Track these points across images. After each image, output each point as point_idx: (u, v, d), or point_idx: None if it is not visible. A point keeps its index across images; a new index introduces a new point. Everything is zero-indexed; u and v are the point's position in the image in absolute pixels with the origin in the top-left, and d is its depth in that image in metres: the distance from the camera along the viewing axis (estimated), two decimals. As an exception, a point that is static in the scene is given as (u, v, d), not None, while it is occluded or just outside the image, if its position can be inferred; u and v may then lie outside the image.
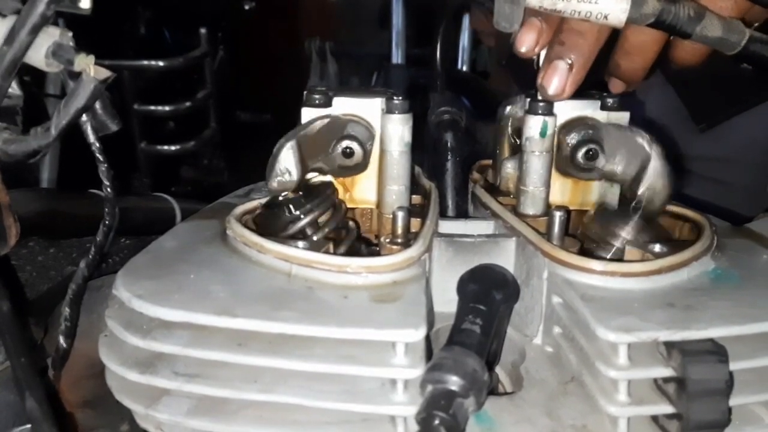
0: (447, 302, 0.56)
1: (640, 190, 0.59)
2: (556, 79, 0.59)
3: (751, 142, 1.13)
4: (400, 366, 0.46)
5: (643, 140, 0.60)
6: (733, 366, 0.44)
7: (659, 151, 0.60)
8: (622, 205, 0.62)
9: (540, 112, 0.61)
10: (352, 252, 0.60)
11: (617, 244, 0.60)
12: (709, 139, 1.12)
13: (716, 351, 0.44)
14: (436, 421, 0.41)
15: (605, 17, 0.57)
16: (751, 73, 0.65)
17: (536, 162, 0.62)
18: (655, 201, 0.60)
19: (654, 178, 0.59)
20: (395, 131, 0.61)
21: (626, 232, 0.60)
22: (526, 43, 0.60)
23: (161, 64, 1.73)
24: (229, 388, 0.47)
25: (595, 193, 0.65)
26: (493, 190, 0.69)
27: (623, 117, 0.63)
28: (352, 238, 0.62)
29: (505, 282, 0.56)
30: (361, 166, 0.63)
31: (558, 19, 0.60)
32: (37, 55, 0.48)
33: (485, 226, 0.65)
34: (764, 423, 0.48)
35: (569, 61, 0.59)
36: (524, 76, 0.67)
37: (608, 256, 0.60)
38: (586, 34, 0.59)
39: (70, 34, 0.49)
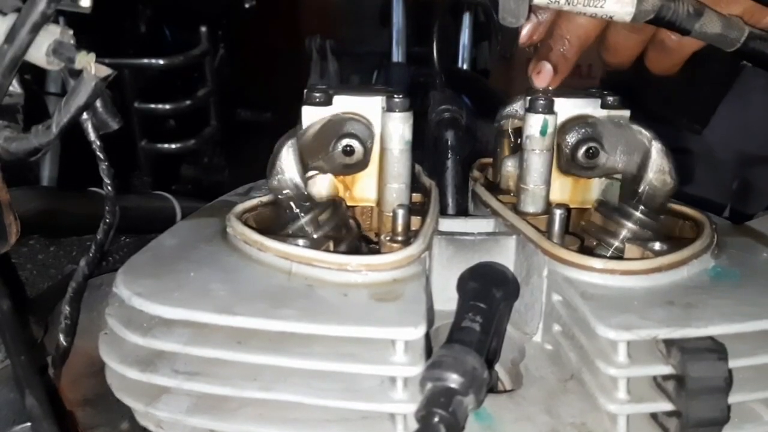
0: (447, 300, 0.56)
1: (641, 187, 0.59)
2: (543, 77, 0.65)
3: (707, 141, 1.15)
4: (400, 364, 0.46)
5: (643, 136, 0.60)
6: (733, 363, 0.44)
7: (660, 147, 0.60)
8: (625, 201, 0.62)
9: (540, 110, 0.61)
10: (352, 250, 0.60)
11: (620, 239, 0.60)
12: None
13: (715, 349, 0.44)
14: (436, 419, 0.41)
15: (610, 17, 0.58)
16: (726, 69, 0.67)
17: (536, 160, 0.62)
18: (657, 196, 0.60)
19: (655, 174, 0.59)
20: (396, 129, 0.61)
21: (629, 228, 0.60)
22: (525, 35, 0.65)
23: (162, 62, 1.73)
24: (229, 386, 0.47)
25: (595, 191, 0.65)
26: (494, 188, 0.69)
27: (623, 115, 0.63)
28: (353, 236, 0.62)
29: (505, 280, 0.56)
30: (362, 165, 0.63)
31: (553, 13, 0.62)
32: (38, 53, 0.48)
33: (485, 224, 0.65)
34: (763, 420, 0.48)
35: (554, 61, 0.64)
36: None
37: (608, 254, 0.60)
38: (572, 36, 0.63)
39: (71, 32, 0.49)
